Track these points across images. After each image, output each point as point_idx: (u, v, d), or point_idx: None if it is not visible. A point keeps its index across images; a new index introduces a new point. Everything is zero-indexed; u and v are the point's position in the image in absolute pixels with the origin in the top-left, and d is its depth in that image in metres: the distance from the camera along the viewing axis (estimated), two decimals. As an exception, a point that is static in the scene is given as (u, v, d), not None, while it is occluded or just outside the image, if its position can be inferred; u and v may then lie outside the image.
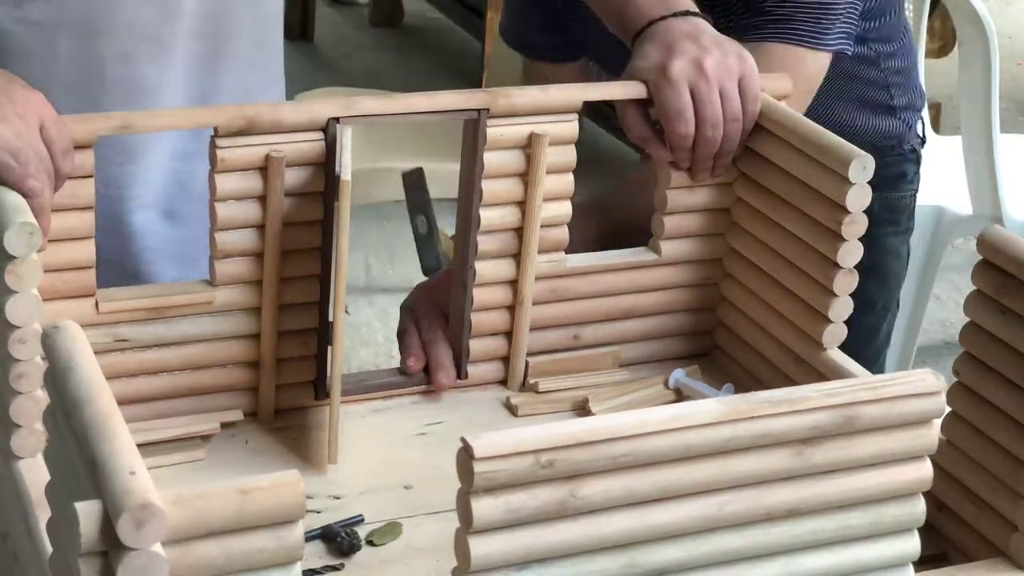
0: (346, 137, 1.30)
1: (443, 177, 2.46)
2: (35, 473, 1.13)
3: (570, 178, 1.41)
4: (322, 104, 1.31)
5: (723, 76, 1.40)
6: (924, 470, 1.00)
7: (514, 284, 1.43)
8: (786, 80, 1.47)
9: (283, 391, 1.38)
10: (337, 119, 1.30)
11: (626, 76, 1.43)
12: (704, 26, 1.45)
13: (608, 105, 1.52)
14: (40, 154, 1.17)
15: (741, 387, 1.45)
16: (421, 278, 1.82)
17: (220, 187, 1.29)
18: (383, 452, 1.34)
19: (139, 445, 0.84)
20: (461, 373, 1.45)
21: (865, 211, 1.34)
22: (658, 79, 1.40)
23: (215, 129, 1.27)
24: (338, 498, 1.27)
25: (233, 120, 1.27)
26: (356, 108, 1.32)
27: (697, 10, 1.47)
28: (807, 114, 1.50)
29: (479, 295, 1.42)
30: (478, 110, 1.35)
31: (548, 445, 0.88)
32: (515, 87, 1.40)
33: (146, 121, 1.28)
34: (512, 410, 1.42)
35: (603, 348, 1.49)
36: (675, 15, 1.45)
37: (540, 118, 1.38)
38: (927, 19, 3.04)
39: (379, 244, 3.93)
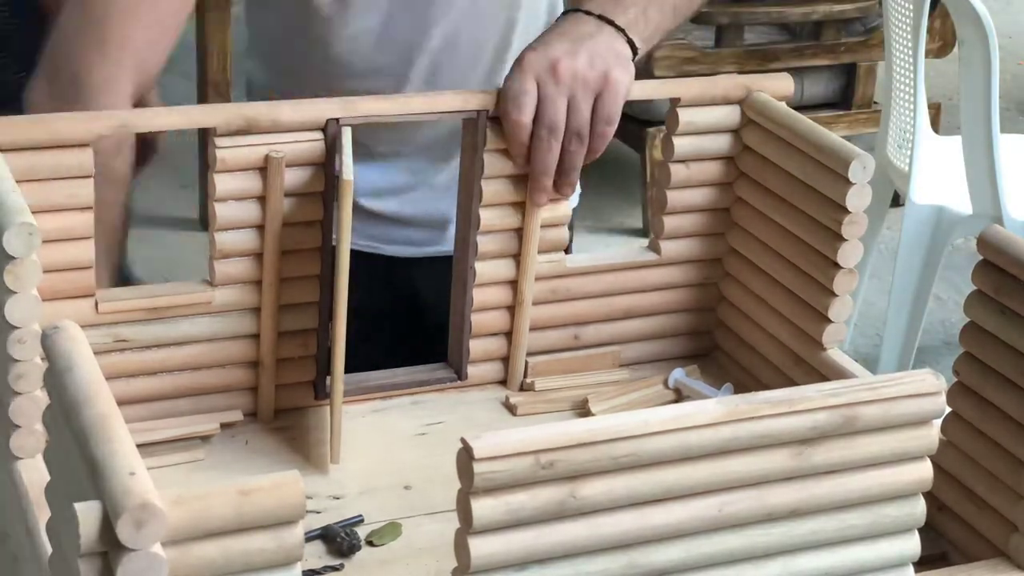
0: (346, 137, 1.30)
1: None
2: (35, 473, 1.13)
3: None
4: (322, 104, 1.31)
5: (575, 85, 1.33)
6: (924, 470, 1.00)
7: (514, 284, 1.43)
8: (788, 80, 1.47)
9: (283, 391, 1.38)
10: (337, 119, 1.30)
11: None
12: (604, 36, 1.37)
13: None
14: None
15: (741, 387, 1.45)
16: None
17: (220, 187, 1.29)
18: (383, 452, 1.34)
19: (139, 445, 0.84)
20: (461, 373, 1.45)
21: None
22: (512, 66, 1.36)
23: (214, 129, 1.27)
24: (338, 498, 1.27)
25: (232, 119, 1.27)
26: (356, 108, 1.32)
27: (623, 25, 1.39)
28: None
29: (479, 295, 1.42)
30: (478, 110, 1.35)
31: (548, 445, 0.88)
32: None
33: (145, 120, 1.28)
34: (512, 410, 1.42)
35: (603, 348, 1.49)
36: (590, 13, 1.39)
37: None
38: (927, 19, 3.03)
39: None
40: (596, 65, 1.35)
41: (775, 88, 1.45)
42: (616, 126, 1.36)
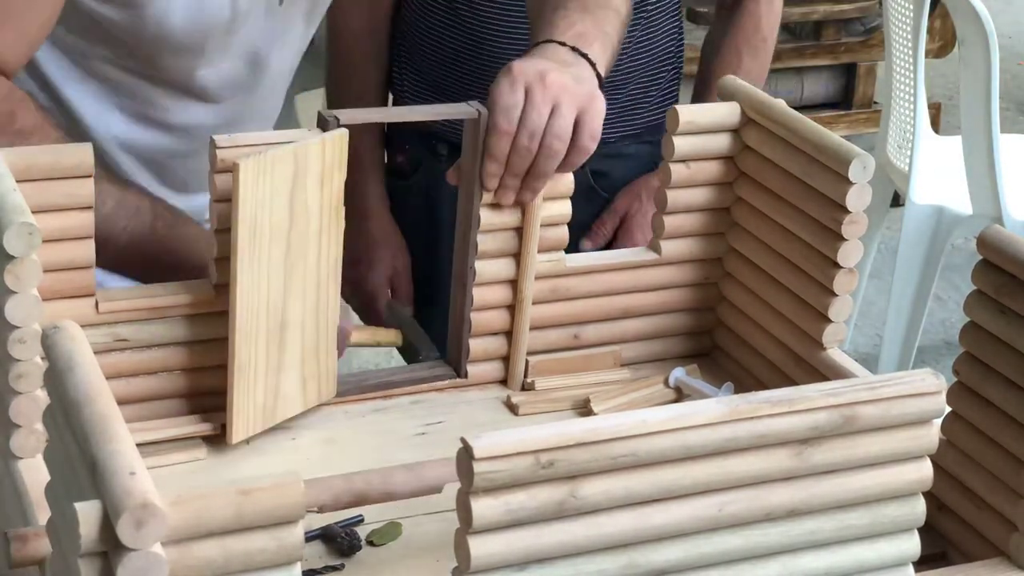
0: None
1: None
2: (35, 473, 1.13)
3: (570, 178, 1.41)
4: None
5: (562, 95, 1.35)
6: (924, 470, 1.00)
7: (514, 284, 1.43)
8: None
9: (283, 391, 1.38)
10: (337, 119, 1.30)
11: None
12: (583, 68, 1.40)
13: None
14: None
15: (741, 387, 1.45)
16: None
17: (220, 187, 1.28)
18: (383, 452, 1.34)
19: (139, 445, 0.84)
20: (461, 372, 1.45)
21: None
22: (501, 75, 1.37)
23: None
24: (338, 498, 1.27)
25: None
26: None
27: (595, 62, 1.43)
28: None
29: (479, 295, 1.42)
30: (478, 110, 1.35)
31: (548, 445, 0.88)
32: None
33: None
34: (512, 409, 1.42)
35: (603, 347, 1.49)
36: (565, 44, 1.42)
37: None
38: (927, 19, 3.03)
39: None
40: (583, 83, 1.38)
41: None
42: (597, 144, 1.38)
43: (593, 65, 1.41)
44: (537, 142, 1.35)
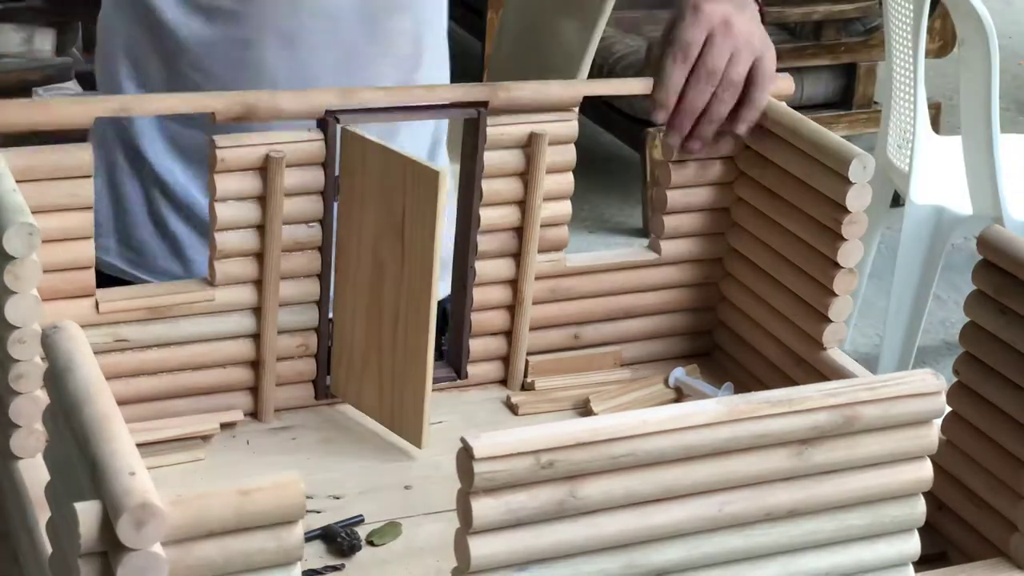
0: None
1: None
2: (35, 473, 1.13)
3: (570, 177, 1.42)
4: (321, 93, 1.32)
5: (741, 43, 1.39)
6: (924, 470, 1.00)
7: (514, 284, 1.43)
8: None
9: (283, 391, 1.38)
10: (337, 118, 1.30)
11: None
12: (753, 8, 1.43)
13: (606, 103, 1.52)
14: None
15: (741, 387, 1.45)
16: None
17: (220, 187, 1.29)
18: (383, 452, 1.34)
19: (139, 445, 0.84)
20: (461, 373, 1.45)
21: None
22: (685, 10, 1.39)
23: (213, 115, 1.27)
24: (338, 498, 1.27)
25: (231, 106, 1.28)
26: (355, 98, 1.32)
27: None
28: None
29: (479, 295, 1.42)
30: (478, 109, 1.35)
31: (548, 445, 0.88)
32: (515, 82, 1.40)
33: (144, 104, 1.29)
34: (513, 409, 1.42)
35: (603, 348, 1.49)
36: None
37: (540, 117, 1.38)
38: (927, 19, 3.04)
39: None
40: (758, 31, 1.41)
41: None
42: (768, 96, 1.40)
43: (760, 3, 1.45)
44: (713, 84, 1.38)
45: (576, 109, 1.40)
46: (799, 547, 0.98)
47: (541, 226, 1.41)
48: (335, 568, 1.18)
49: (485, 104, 1.35)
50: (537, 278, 1.43)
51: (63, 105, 1.23)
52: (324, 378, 1.39)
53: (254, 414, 1.37)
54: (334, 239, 1.34)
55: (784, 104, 1.43)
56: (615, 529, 0.92)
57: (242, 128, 1.30)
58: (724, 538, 0.95)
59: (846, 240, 1.34)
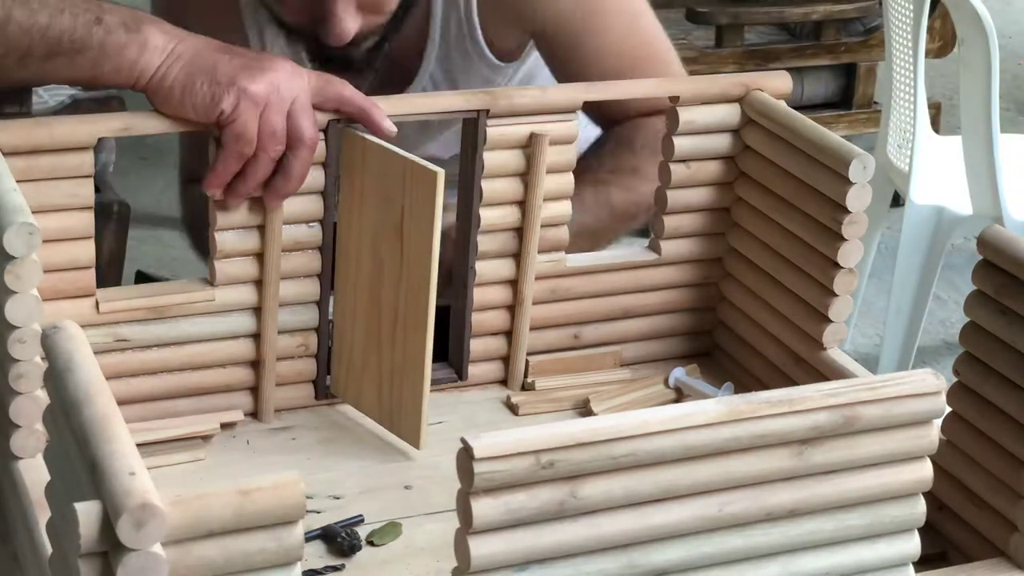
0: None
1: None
2: (35, 473, 1.13)
3: (570, 178, 1.42)
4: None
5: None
6: (924, 470, 1.00)
7: (514, 284, 1.43)
8: (786, 78, 1.47)
9: (283, 391, 1.38)
10: (338, 120, 1.31)
11: None
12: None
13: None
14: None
15: (741, 387, 1.45)
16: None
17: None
18: (383, 452, 1.34)
19: (139, 445, 0.84)
20: (461, 373, 1.45)
21: None
22: None
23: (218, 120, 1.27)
24: (338, 498, 1.27)
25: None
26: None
27: None
28: None
29: (479, 295, 1.42)
30: (478, 110, 1.35)
31: (548, 445, 0.88)
32: (515, 88, 1.40)
33: (147, 123, 1.28)
34: (513, 409, 1.42)
35: (603, 348, 1.49)
36: None
37: (540, 118, 1.38)
38: (927, 19, 3.03)
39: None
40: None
41: (774, 86, 1.45)
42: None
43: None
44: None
45: (577, 111, 1.40)
46: (799, 547, 0.98)
47: (541, 226, 1.41)
48: (335, 568, 1.18)
49: (486, 112, 1.35)
50: (537, 278, 1.43)
51: (65, 125, 1.23)
52: (324, 378, 1.39)
53: (254, 414, 1.37)
54: (334, 239, 1.34)
55: (784, 104, 1.43)
56: (615, 529, 0.92)
57: None
58: (724, 538, 0.95)
59: (846, 240, 1.34)
